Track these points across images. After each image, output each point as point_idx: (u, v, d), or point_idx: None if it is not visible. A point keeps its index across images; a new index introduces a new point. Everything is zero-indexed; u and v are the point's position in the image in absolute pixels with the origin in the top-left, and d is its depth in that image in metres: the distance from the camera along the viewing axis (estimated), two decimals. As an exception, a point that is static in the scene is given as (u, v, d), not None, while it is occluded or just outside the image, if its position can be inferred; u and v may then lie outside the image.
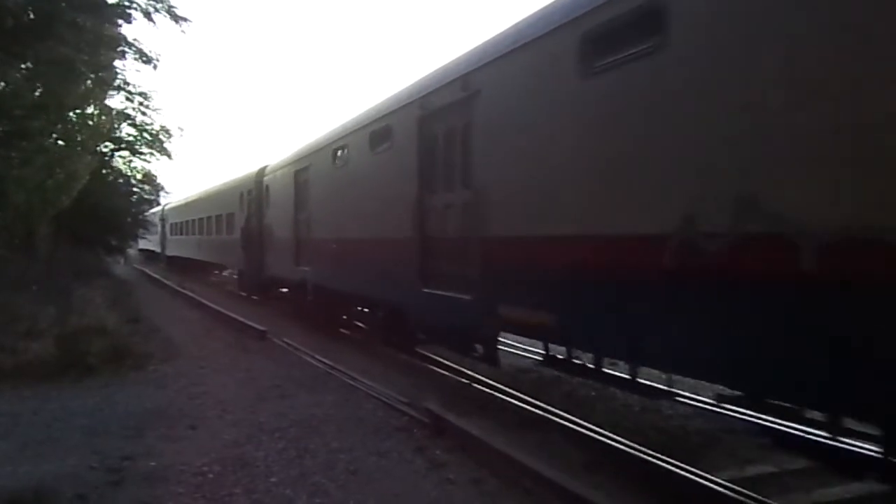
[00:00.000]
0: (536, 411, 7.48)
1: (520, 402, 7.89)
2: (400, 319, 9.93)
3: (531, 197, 6.29)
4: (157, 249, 41.82)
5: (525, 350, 10.46)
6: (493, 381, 8.80)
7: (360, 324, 13.02)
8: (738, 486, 5.11)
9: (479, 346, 8.02)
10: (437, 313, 8.25)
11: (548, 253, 6.03)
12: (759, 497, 4.93)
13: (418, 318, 9.21)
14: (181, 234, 33.45)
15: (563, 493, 4.80)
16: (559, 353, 6.74)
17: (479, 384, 8.86)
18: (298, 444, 6.35)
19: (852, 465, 4.96)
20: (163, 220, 39.60)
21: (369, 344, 11.79)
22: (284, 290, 17.55)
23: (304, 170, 14.13)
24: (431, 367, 10.15)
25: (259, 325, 13.65)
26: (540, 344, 7.31)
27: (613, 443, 6.35)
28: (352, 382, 8.92)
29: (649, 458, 5.88)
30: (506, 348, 9.84)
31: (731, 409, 7.07)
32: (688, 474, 5.45)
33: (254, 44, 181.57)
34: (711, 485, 5.21)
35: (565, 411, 7.35)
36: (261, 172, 18.44)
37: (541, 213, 6.15)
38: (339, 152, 11.86)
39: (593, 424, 6.83)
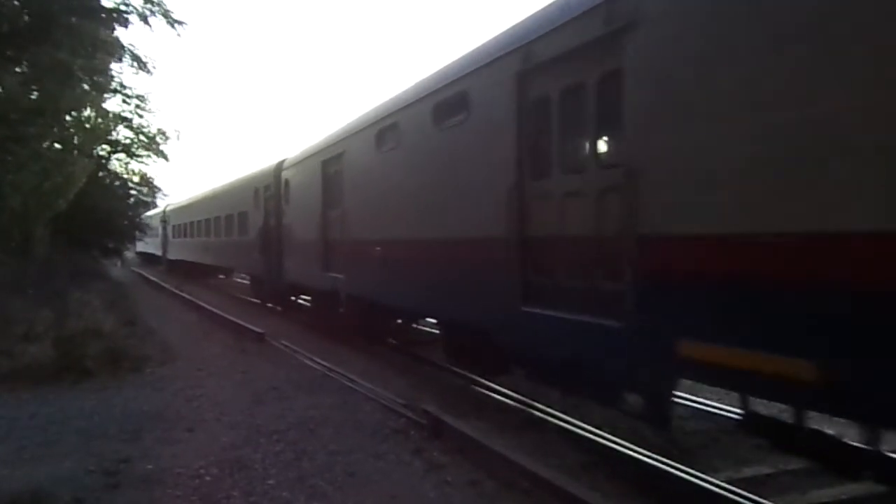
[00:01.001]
0: (534, 412, 7.50)
1: (518, 403, 7.90)
2: (484, 346, 7.47)
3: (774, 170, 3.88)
4: (158, 252, 40.22)
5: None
6: (491, 382, 8.81)
7: (401, 341, 11.73)
8: (735, 486, 5.13)
9: (633, 398, 5.63)
10: (549, 343, 5.97)
11: (825, 260, 3.59)
12: (756, 498, 4.94)
13: (516, 346, 6.81)
14: (185, 236, 31.50)
15: (561, 494, 4.80)
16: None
17: (476, 385, 8.86)
18: (296, 447, 6.34)
19: (849, 465, 4.55)
20: (164, 221, 37.63)
21: (368, 346, 11.75)
22: (306, 297, 16.21)
23: (335, 159, 12.06)
24: (429, 368, 10.15)
25: (257, 327, 13.62)
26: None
27: (611, 444, 6.37)
28: (350, 384, 8.91)
29: (646, 460, 5.90)
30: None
31: (727, 410, 7.12)
32: (684, 475, 5.46)
33: (251, 45, 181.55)
34: (708, 485, 5.23)
35: (563, 412, 7.36)
36: (279, 166, 16.47)
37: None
38: (387, 134, 9.61)
39: (591, 426, 6.85)
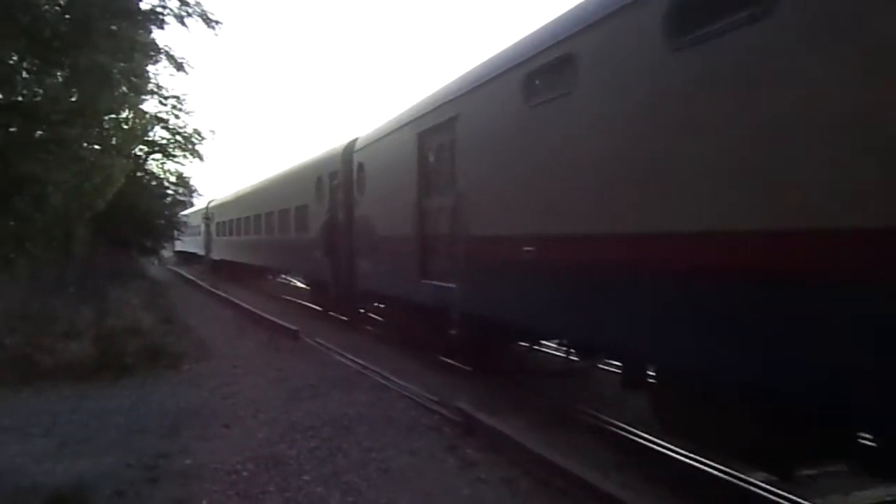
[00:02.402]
0: (568, 411, 7.45)
1: (551, 401, 7.85)
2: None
3: None
4: (199, 252, 38.32)
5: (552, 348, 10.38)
6: (524, 381, 8.77)
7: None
8: (774, 487, 5.03)
9: None
10: None
11: None
12: (796, 498, 4.84)
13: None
14: (231, 234, 29.18)
15: (595, 492, 4.76)
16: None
17: (509, 384, 8.83)
18: (331, 443, 6.38)
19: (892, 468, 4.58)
20: (207, 218, 35.42)
21: (401, 343, 11.73)
22: (377, 309, 13.52)
23: (440, 128, 9.07)
24: (463, 366, 10.13)
25: (291, 324, 13.74)
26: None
27: (646, 442, 6.30)
28: (384, 382, 8.94)
29: (682, 459, 5.82)
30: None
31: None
32: (722, 475, 5.38)
33: (286, 43, 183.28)
34: (746, 485, 5.14)
35: (595, 410, 7.30)
36: (349, 147, 13.81)
37: None
38: (546, 77, 6.59)
39: (624, 423, 6.79)
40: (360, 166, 12.98)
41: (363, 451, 6.17)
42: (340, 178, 14.16)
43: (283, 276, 27.65)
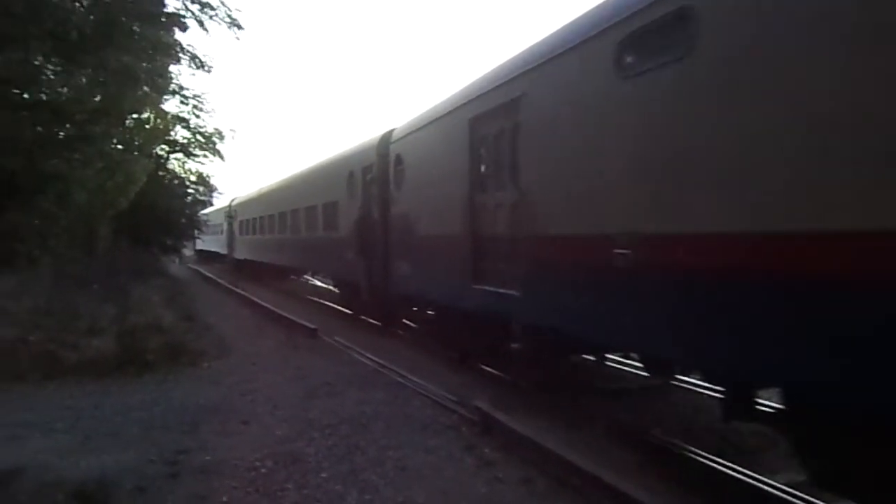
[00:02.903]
0: (586, 411, 7.42)
1: (570, 401, 7.82)
2: None
3: None
4: (221, 251, 37.43)
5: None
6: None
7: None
8: (795, 489, 4.97)
9: None
10: None
11: None
12: (816, 501, 4.79)
13: None
14: (255, 232, 28.24)
15: (613, 492, 4.74)
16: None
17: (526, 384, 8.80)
18: (348, 441, 6.41)
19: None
20: (230, 216, 34.26)
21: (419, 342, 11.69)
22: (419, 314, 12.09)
23: (501, 110, 7.88)
24: (481, 365, 10.10)
25: (310, 323, 13.81)
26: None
27: (664, 444, 6.26)
28: (401, 380, 8.97)
29: (701, 460, 5.78)
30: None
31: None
32: (743, 476, 5.33)
33: (303, 42, 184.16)
34: (768, 488, 5.09)
35: (614, 411, 7.27)
36: (385, 139, 12.85)
37: None
38: (649, 42, 5.41)
39: (643, 424, 6.75)
40: (399, 159, 11.96)
41: (380, 449, 6.19)
42: (375, 172, 13.15)
43: (305, 276, 27.20)
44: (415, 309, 11.94)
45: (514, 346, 7.81)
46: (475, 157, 8.69)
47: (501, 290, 7.75)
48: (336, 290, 19.17)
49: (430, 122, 10.44)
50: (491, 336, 8.51)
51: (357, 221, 13.89)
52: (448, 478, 5.50)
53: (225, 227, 35.90)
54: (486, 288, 8.17)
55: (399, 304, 12.61)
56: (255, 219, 28.30)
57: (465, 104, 8.99)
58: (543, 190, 7.02)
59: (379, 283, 12.96)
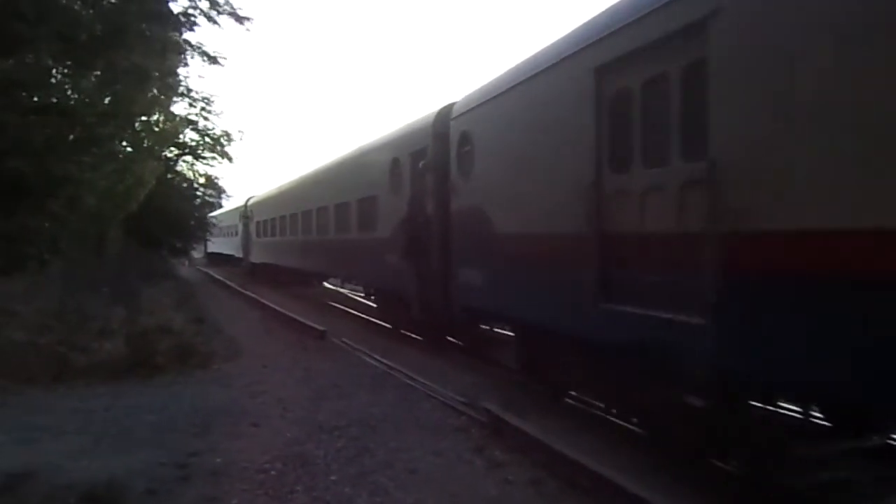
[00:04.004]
0: (596, 412, 7.38)
1: (580, 403, 7.79)
2: None
3: None
4: (236, 254, 35.46)
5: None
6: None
7: None
8: (813, 491, 4.91)
9: None
10: None
11: None
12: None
13: None
14: (274, 234, 25.79)
15: (624, 494, 4.71)
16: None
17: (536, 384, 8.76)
18: (357, 443, 6.41)
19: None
20: (246, 217, 32.09)
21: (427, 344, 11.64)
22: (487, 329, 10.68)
23: (659, 48, 5.36)
24: (490, 366, 10.07)
25: (318, 325, 13.82)
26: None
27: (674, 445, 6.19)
28: (410, 382, 8.96)
29: (714, 462, 5.73)
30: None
31: (796, 412, 6.79)
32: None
33: (311, 43, 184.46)
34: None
35: (624, 413, 7.22)
36: (444, 114, 10.58)
37: None
38: None
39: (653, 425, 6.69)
40: (465, 138, 9.48)
41: (390, 451, 6.18)
42: (431, 157, 10.83)
43: (325, 283, 25.42)
44: (485, 328, 10.39)
45: (694, 401, 5.20)
46: (609, 123, 6.16)
47: (661, 315, 5.27)
48: (372, 303, 16.57)
49: (516, 85, 8.04)
50: (630, 379, 6.07)
51: (404, 219, 11.72)
52: (458, 480, 5.49)
53: (240, 228, 33.77)
54: (625, 309, 5.76)
55: (465, 322, 10.54)
56: (274, 219, 25.91)
57: (584, 48, 6.48)
58: (760, 160, 4.40)
59: (437, 294, 10.71)
